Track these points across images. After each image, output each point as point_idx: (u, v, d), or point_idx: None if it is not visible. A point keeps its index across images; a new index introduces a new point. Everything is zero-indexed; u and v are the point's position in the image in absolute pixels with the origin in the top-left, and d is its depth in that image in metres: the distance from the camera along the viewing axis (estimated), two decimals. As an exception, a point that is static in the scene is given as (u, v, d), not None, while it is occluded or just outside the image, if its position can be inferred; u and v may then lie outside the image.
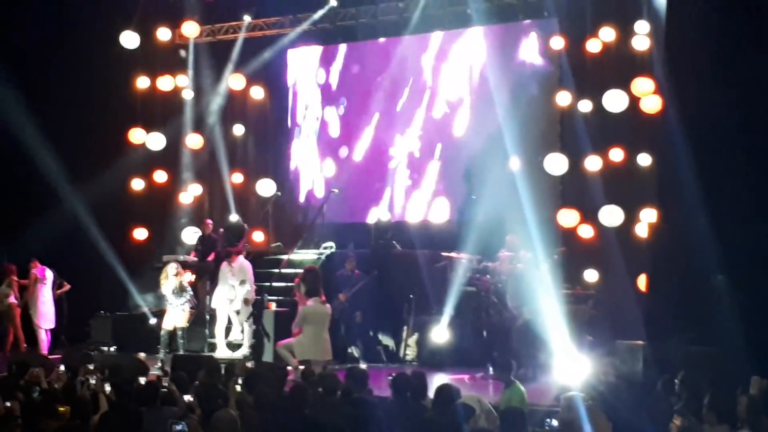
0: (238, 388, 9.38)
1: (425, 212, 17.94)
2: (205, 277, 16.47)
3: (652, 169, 14.64)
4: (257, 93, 19.04)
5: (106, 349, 16.08)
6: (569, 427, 7.99)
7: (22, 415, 7.92)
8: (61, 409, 8.36)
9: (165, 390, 8.88)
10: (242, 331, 15.64)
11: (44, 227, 17.09)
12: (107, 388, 9.17)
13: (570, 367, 12.04)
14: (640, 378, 11.35)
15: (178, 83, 18.76)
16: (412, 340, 15.35)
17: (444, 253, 15.75)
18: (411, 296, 15.40)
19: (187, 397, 8.84)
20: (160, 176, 18.68)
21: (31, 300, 16.01)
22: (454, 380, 10.84)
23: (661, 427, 8.15)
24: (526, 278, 13.79)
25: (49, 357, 13.09)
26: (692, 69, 12.84)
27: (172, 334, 14.80)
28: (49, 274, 16.17)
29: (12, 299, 15.98)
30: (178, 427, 7.19)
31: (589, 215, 15.29)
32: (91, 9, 17.17)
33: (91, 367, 10.09)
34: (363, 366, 12.76)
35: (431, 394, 8.56)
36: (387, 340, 15.69)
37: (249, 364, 11.48)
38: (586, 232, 15.46)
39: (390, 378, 9.45)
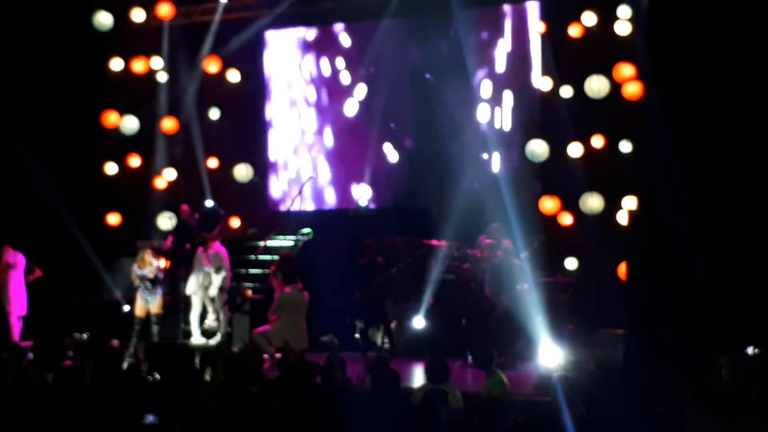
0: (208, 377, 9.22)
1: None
2: (181, 264, 16.24)
3: (634, 156, 14.54)
4: (233, 76, 18.77)
5: (78, 335, 15.83)
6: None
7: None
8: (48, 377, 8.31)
9: (142, 377, 8.72)
10: (217, 319, 15.45)
11: (16, 211, 16.88)
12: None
13: (550, 355, 11.93)
14: (620, 367, 11.27)
15: (153, 65, 18.47)
16: (391, 328, 15.17)
17: (424, 241, 15.61)
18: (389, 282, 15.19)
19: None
20: (134, 161, 18.41)
21: (2, 285, 15.71)
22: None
23: (641, 417, 8.03)
24: (506, 266, 13.67)
25: (21, 343, 12.84)
26: (674, 55, 12.76)
27: (146, 321, 14.58)
28: (21, 259, 15.87)
29: (-18, 285, 15.67)
30: (150, 418, 7.05)
31: (570, 203, 15.19)
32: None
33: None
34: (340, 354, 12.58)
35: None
36: (363, 328, 15.50)
37: (235, 349, 11.32)
38: (567, 219, 15.36)
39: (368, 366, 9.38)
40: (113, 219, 18.10)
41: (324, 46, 18.64)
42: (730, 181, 12.75)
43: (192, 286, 15.50)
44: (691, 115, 12.67)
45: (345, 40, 18.39)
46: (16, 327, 15.71)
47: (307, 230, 17.03)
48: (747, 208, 12.67)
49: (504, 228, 14.34)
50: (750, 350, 10.69)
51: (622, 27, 14.95)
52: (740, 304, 12.33)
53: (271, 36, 18.99)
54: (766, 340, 11.27)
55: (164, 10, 17.94)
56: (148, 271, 14.42)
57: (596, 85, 14.95)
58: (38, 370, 9.34)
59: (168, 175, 18.43)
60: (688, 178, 12.48)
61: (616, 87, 14.82)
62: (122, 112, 17.99)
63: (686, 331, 11.94)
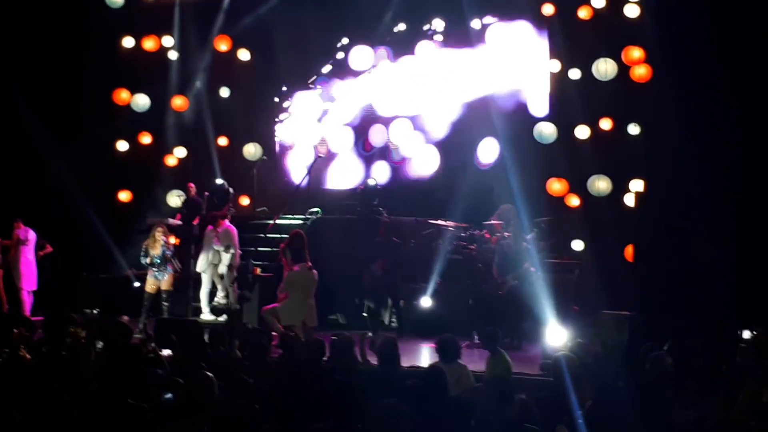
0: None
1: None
2: (190, 241, 16.36)
3: (641, 138, 14.58)
4: (244, 55, 18.80)
5: (89, 311, 15.95)
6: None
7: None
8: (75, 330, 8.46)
9: (151, 354, 8.84)
10: (226, 296, 15.56)
11: (28, 188, 16.99)
12: (98, 345, 9.15)
13: (555, 336, 12.01)
14: (626, 348, 11.34)
15: (164, 44, 18.53)
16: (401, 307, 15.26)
17: (431, 221, 15.69)
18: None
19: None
20: (146, 138, 18.49)
21: (13, 261, 15.84)
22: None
23: (647, 397, 8.12)
24: (513, 248, 13.75)
25: (31, 318, 12.97)
26: (683, 37, 12.75)
27: (156, 297, 14.71)
28: (32, 235, 15.99)
29: (-6, 260, 15.82)
30: (168, 396, 7.18)
31: (578, 185, 15.24)
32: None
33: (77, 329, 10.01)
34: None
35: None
36: (371, 307, 15.58)
37: (249, 325, 11.44)
38: (574, 201, 15.42)
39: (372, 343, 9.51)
40: (124, 196, 18.20)
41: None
42: (738, 162, 12.75)
43: (202, 263, 15.62)
44: (699, 97, 12.66)
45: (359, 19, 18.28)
46: (27, 302, 15.87)
47: (316, 209, 17.11)
48: (756, 189, 12.68)
49: (515, 210, 14.42)
50: (747, 333, 10.75)
51: (631, 9, 14.97)
52: (748, 285, 12.35)
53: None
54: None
55: (176, -11, 18.00)
56: (160, 249, 14.55)
57: (603, 68, 14.98)
58: (48, 345, 9.48)
59: (178, 153, 18.51)
60: (695, 161, 12.49)
61: (624, 69, 14.84)
62: (133, 90, 18.06)
63: (692, 313, 11.99)
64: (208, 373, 7.22)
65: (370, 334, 10.13)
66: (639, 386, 8.26)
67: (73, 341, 9.26)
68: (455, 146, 17.13)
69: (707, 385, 8.09)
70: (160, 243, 14.61)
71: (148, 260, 14.64)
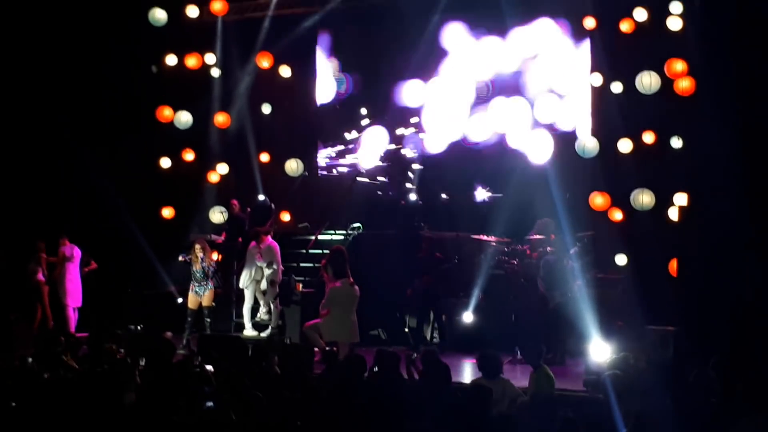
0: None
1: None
2: (233, 257, 16.46)
3: (685, 152, 14.46)
4: (285, 72, 18.92)
5: (133, 327, 16.07)
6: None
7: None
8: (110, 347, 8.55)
9: (198, 369, 8.89)
10: (268, 312, 15.62)
11: (73, 206, 17.19)
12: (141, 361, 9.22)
13: (599, 352, 11.92)
14: (671, 364, 11.24)
15: (206, 61, 18.69)
16: (444, 322, 15.22)
17: (473, 236, 15.65)
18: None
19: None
20: (188, 155, 18.65)
21: (59, 278, 16.02)
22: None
23: (692, 413, 8.04)
24: (559, 263, 13.68)
25: (77, 335, 13.10)
26: (727, 50, 12.65)
27: (198, 313, 14.79)
28: (77, 252, 16.17)
29: (40, 276, 15.99)
30: (209, 404, 7.26)
31: (620, 199, 15.14)
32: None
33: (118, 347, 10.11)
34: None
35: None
36: (413, 323, 15.56)
37: (287, 341, 11.46)
38: (617, 215, 15.32)
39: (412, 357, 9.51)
40: (167, 212, 18.34)
41: (374, 40, 18.65)
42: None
43: (244, 279, 15.70)
44: (743, 110, 12.54)
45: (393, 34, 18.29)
46: (73, 319, 16.04)
47: (356, 225, 17.13)
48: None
49: (554, 223, 14.35)
50: None
51: (674, 22, 14.86)
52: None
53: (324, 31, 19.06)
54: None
55: (218, 7, 18.14)
56: (202, 265, 14.65)
57: (647, 81, 14.89)
58: (93, 361, 9.57)
59: (221, 170, 18.64)
60: (740, 175, 12.37)
61: (667, 83, 14.74)
62: (176, 107, 18.22)
63: (737, 327, 11.86)
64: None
65: (415, 355, 10.08)
66: (684, 402, 8.18)
67: (112, 358, 9.34)
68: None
69: (754, 400, 7.97)
70: (199, 259, 14.70)
71: (191, 273, 14.74)
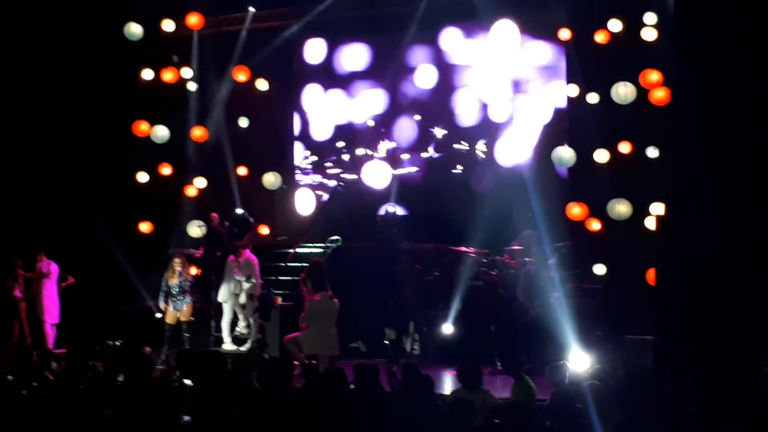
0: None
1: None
2: (211, 271, 16.40)
3: (661, 161, 14.54)
4: (262, 86, 18.92)
5: (111, 343, 16.00)
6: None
7: None
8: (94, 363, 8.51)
9: (176, 384, 8.84)
10: (248, 326, 15.57)
11: (49, 221, 17.09)
12: (120, 378, 9.17)
13: (579, 361, 11.95)
14: (650, 373, 11.26)
15: (183, 75, 18.65)
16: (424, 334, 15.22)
17: (452, 247, 15.68)
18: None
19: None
20: (165, 169, 18.59)
21: (36, 294, 15.93)
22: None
23: (672, 423, 8.06)
24: (540, 273, 13.72)
25: (54, 351, 13.02)
26: (701, 60, 12.73)
27: (177, 328, 14.74)
28: (54, 268, 16.09)
29: (17, 293, 15.89)
30: (186, 419, 7.21)
31: (597, 209, 15.20)
32: (96, 0, 17.10)
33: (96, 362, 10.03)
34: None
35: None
36: (392, 335, 15.56)
37: (265, 356, 11.41)
38: (595, 225, 15.38)
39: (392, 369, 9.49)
40: (145, 227, 18.26)
41: (353, 54, 18.72)
42: (759, 184, 12.68)
43: (223, 293, 15.64)
44: (718, 120, 12.62)
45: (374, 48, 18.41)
46: (50, 334, 15.94)
47: (336, 237, 17.12)
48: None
49: (537, 236, 14.41)
50: None
51: (649, 33, 14.97)
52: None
53: (300, 45, 19.11)
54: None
55: (194, 21, 18.12)
56: (179, 279, 14.61)
57: (623, 92, 14.97)
58: (70, 377, 9.50)
59: (198, 184, 18.60)
60: (716, 183, 12.44)
61: (642, 93, 14.83)
62: (153, 121, 18.16)
63: (715, 337, 11.90)
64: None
65: (395, 367, 10.08)
66: (662, 411, 8.20)
67: (93, 374, 9.28)
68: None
69: (731, 410, 8.01)
70: (177, 273, 14.66)
71: (164, 290, 14.69)
